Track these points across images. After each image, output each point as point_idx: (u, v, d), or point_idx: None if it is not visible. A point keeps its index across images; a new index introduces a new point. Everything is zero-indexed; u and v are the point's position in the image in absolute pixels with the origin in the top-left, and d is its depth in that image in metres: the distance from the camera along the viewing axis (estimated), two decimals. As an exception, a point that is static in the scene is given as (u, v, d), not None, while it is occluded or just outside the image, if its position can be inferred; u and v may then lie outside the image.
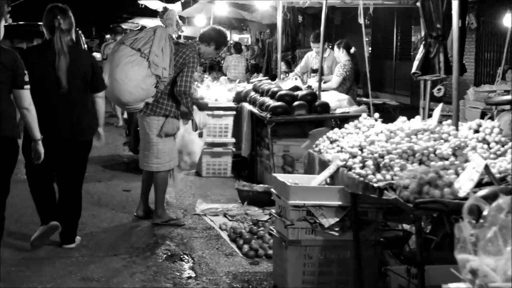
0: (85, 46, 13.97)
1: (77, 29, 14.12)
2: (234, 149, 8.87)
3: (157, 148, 6.41)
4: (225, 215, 6.78)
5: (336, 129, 5.51)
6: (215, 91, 9.37)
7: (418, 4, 5.87)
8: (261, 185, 7.47)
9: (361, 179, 4.32)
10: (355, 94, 9.99)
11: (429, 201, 3.65)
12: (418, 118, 4.96)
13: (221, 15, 14.28)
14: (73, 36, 5.50)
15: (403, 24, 19.08)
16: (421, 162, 4.22)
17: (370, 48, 20.67)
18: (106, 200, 7.34)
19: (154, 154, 6.43)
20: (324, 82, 9.31)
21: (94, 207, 7.02)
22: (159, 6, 16.74)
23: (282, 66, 11.53)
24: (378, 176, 4.20)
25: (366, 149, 4.59)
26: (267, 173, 7.98)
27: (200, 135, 7.78)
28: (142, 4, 16.31)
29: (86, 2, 42.70)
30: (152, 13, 18.69)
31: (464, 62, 5.72)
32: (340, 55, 9.55)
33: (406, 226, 5.65)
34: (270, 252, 5.48)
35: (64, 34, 5.34)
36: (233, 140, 8.85)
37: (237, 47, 17.25)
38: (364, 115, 5.44)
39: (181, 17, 16.38)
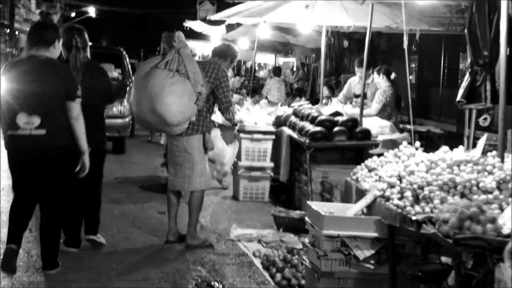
0: (129, 66, 14.04)
1: (121, 49, 14.29)
2: (272, 174, 8.71)
3: (200, 167, 6.44)
4: (259, 241, 6.61)
5: (374, 157, 5.32)
6: (255, 114, 9.25)
7: (466, 31, 5.68)
8: (298, 211, 7.28)
9: (399, 210, 4.13)
10: (397, 121, 9.77)
11: (470, 238, 3.45)
12: (461, 148, 4.74)
13: (265, 38, 14.21)
14: (88, 54, 5.98)
15: (451, 51, 18.72)
16: (462, 195, 4.01)
17: (416, 75, 20.37)
18: (140, 222, 7.24)
19: (198, 173, 6.42)
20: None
21: (128, 229, 6.93)
22: (204, 29, 16.81)
23: (324, 91, 11.37)
24: (417, 208, 4.01)
25: (405, 180, 4.39)
26: (305, 199, 7.79)
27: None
28: (187, 27, 16.36)
29: (136, 26, 43.43)
30: (197, 35, 18.76)
31: (512, 91, 5.50)
32: (380, 81, 9.33)
33: (446, 259, 5.42)
34: (303, 282, 5.29)
35: (79, 52, 5.83)
36: (272, 164, 8.70)
37: (276, 71, 17.16)
38: (404, 143, 5.24)
39: (225, 40, 16.44)
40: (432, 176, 4.21)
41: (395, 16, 9.37)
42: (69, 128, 5.24)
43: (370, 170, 5.17)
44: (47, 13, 28.49)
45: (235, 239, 6.70)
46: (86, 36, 6.02)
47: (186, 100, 6.06)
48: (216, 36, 16.53)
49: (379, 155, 5.58)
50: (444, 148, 4.75)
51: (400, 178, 4.50)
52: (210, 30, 16.66)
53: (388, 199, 4.39)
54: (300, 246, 6.34)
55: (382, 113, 9.20)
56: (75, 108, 5.24)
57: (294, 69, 26.72)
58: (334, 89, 14.05)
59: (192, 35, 18.80)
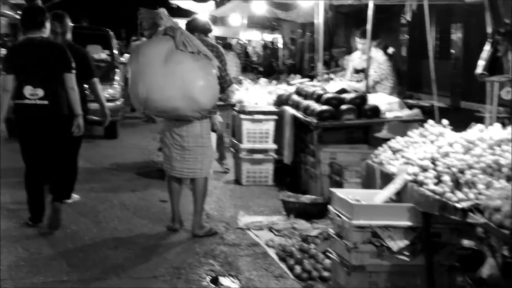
0: (117, 47, 13.53)
1: (108, 30, 13.78)
2: (275, 156, 8.34)
3: (212, 151, 6.33)
4: (270, 229, 6.26)
5: (398, 138, 4.97)
6: (254, 94, 8.86)
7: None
8: (308, 196, 6.93)
9: (437, 197, 3.78)
10: (401, 96, 9.42)
11: (530, 228, 3.11)
12: (497, 126, 4.40)
13: (258, 15, 13.74)
14: (68, 37, 6.70)
15: (442, 22, 18.40)
16: (509, 179, 3.67)
17: (407, 47, 20.03)
18: (142, 212, 6.85)
19: (211, 158, 6.27)
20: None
21: (130, 220, 6.55)
22: (192, 6, 16.32)
23: (319, 67, 10.95)
24: (459, 194, 3.65)
25: (441, 162, 4.04)
26: (312, 182, 7.45)
27: None
28: (174, 4, 15.86)
29: (117, 5, 42.53)
30: (184, 13, 18.24)
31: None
32: (377, 56, 8.95)
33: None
34: (325, 274, 4.95)
35: (58, 37, 6.55)
36: (275, 146, 8.32)
37: (227, 45, 15.65)
38: (431, 121, 4.89)
39: (214, 17, 15.94)
40: (473, 158, 3.85)
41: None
42: (66, 98, 5.98)
43: (394, 152, 4.82)
44: (31, -2, 29.34)
45: (244, 228, 6.34)
46: (67, 21, 6.71)
47: (216, 82, 5.85)
48: (204, 13, 16.02)
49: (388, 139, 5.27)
50: (479, 126, 4.40)
51: (433, 161, 4.15)
52: (198, 7, 16.17)
53: (421, 184, 4.05)
54: (314, 233, 6.00)
55: (380, 87, 8.86)
56: (71, 79, 6.00)
57: (280, 45, 26.18)
58: (329, 64, 13.65)
59: (176, 12, 18.33)
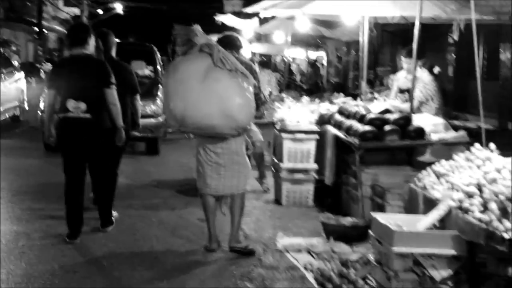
0: (161, 63, 13.59)
1: (152, 46, 13.87)
2: (316, 176, 8.19)
3: (248, 168, 6.20)
4: (309, 252, 6.12)
5: (443, 162, 4.80)
6: (296, 112, 8.74)
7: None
8: (349, 218, 6.76)
9: (483, 226, 3.62)
10: (447, 117, 9.20)
11: None
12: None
13: (302, 32, 13.67)
14: (112, 53, 6.96)
15: (491, 42, 18.05)
16: (560, 208, 3.48)
17: (453, 67, 19.72)
18: (180, 231, 6.77)
19: (246, 174, 6.18)
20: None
21: (168, 239, 6.48)
22: (236, 23, 16.33)
23: (363, 86, 10.80)
24: (507, 224, 3.49)
25: (487, 189, 3.87)
26: (353, 204, 7.29)
27: None
28: (218, 21, 15.89)
29: (163, 21, 43.07)
30: (229, 30, 18.28)
31: None
32: (423, 75, 8.76)
33: None
34: (365, 301, 4.80)
35: (101, 53, 6.75)
36: (316, 166, 8.18)
37: (264, 63, 15.65)
38: (477, 145, 4.71)
39: (258, 34, 15.93)
40: (522, 185, 3.68)
41: (444, 5, 8.89)
42: (108, 112, 6.18)
43: (438, 176, 4.65)
44: (76, 16, 32.14)
45: (282, 250, 6.21)
46: (111, 38, 6.97)
47: (253, 99, 5.82)
48: (248, 30, 16.02)
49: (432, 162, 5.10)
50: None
51: (479, 187, 3.97)
52: (242, 24, 16.17)
53: (466, 211, 3.88)
54: (354, 257, 5.84)
55: (425, 107, 8.66)
56: (111, 94, 6.19)
57: (324, 63, 26.07)
58: (374, 83, 13.49)
59: (220, 29, 18.38)
